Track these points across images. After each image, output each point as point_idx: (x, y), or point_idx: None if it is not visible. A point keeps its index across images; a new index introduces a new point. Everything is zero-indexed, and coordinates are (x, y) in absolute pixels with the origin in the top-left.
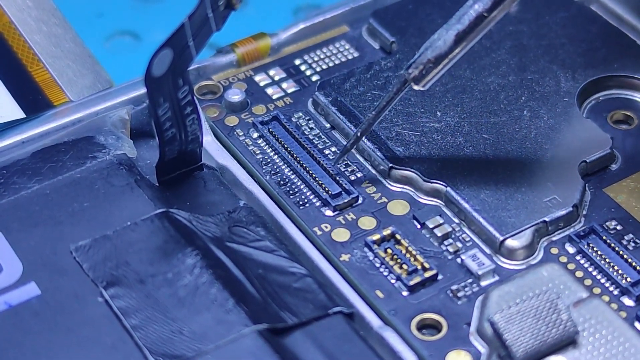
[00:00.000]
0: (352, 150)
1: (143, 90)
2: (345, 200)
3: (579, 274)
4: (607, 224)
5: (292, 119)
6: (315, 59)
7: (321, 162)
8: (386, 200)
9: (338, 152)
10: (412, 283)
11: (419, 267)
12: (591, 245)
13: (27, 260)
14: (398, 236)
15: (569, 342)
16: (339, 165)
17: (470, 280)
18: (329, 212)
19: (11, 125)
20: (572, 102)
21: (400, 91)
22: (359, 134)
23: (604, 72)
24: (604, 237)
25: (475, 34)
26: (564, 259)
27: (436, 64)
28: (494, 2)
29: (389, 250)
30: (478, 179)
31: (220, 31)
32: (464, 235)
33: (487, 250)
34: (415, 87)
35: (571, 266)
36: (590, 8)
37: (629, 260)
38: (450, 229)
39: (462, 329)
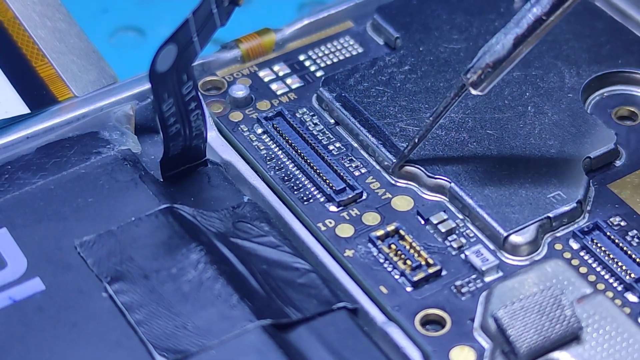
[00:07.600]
0: (356, 145)
1: (147, 85)
2: (350, 196)
3: (583, 269)
4: (611, 220)
5: (296, 114)
6: (320, 54)
7: (325, 157)
8: (390, 196)
9: (342, 147)
10: (416, 279)
11: (423, 262)
12: (595, 241)
13: (31, 255)
14: (402, 232)
15: (572, 338)
16: (342, 161)
17: (474, 276)
18: (333, 208)
19: (16, 121)
20: (576, 98)
21: (458, 96)
22: (416, 140)
23: (609, 68)
24: (608, 233)
25: (533, 38)
26: (568, 255)
27: (494, 68)
28: (552, 5)
29: (393, 246)
30: (482, 174)
31: (225, 27)
32: (468, 231)
33: (491, 246)
34: (474, 92)
35: (575, 262)
36: (595, 4)
37: (633, 256)
38: (454, 225)
39: (466, 325)
